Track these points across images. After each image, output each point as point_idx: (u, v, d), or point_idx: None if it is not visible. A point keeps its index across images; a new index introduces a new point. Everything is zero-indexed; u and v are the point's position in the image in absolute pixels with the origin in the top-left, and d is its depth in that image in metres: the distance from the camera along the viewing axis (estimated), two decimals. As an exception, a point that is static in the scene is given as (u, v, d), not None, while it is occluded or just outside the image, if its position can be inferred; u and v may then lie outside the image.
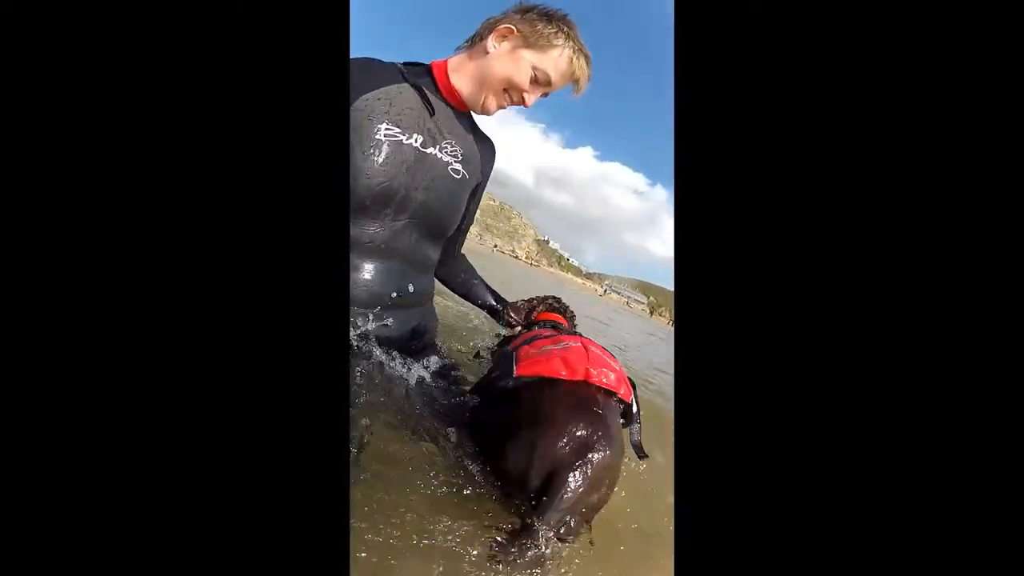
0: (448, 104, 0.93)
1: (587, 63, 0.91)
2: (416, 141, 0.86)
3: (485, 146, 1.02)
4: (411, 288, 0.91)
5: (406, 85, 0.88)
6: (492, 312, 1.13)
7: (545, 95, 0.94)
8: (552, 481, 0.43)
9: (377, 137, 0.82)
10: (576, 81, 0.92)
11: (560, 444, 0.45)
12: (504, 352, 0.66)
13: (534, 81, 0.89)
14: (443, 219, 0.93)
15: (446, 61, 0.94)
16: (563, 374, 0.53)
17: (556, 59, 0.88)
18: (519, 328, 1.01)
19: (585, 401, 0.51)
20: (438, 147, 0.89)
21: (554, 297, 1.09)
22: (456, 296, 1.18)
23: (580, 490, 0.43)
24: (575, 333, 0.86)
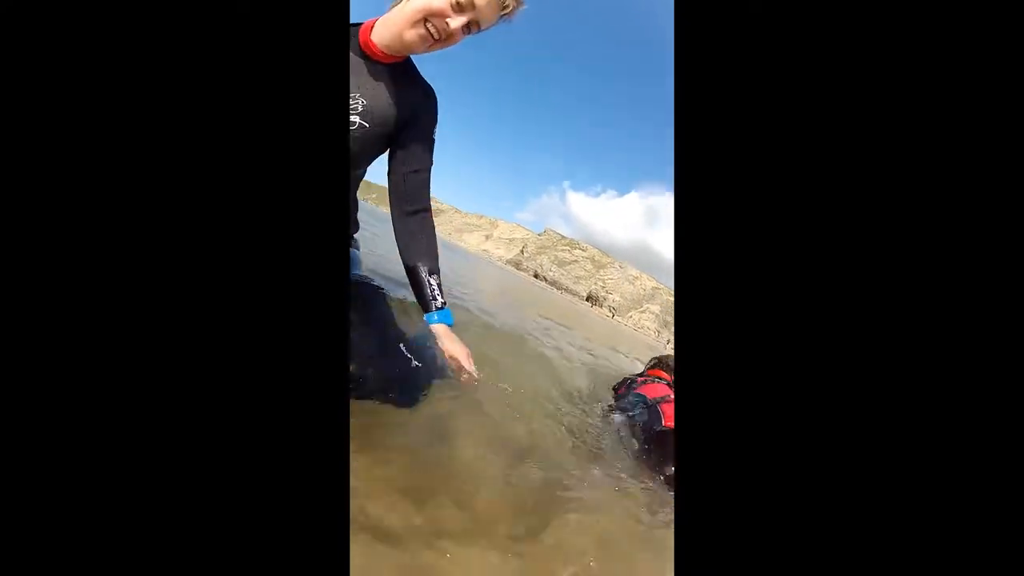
0: (368, 59, 0.91)
1: None
2: None
3: (407, 89, 0.95)
4: None
5: None
6: (418, 295, 0.99)
7: (476, 28, 0.86)
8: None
9: None
10: (505, 7, 0.85)
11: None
12: (651, 406, 1.32)
13: (456, 8, 0.82)
14: None
15: (375, 19, 0.91)
16: None
17: None
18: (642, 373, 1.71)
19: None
20: None
21: (670, 356, 1.78)
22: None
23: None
24: None
